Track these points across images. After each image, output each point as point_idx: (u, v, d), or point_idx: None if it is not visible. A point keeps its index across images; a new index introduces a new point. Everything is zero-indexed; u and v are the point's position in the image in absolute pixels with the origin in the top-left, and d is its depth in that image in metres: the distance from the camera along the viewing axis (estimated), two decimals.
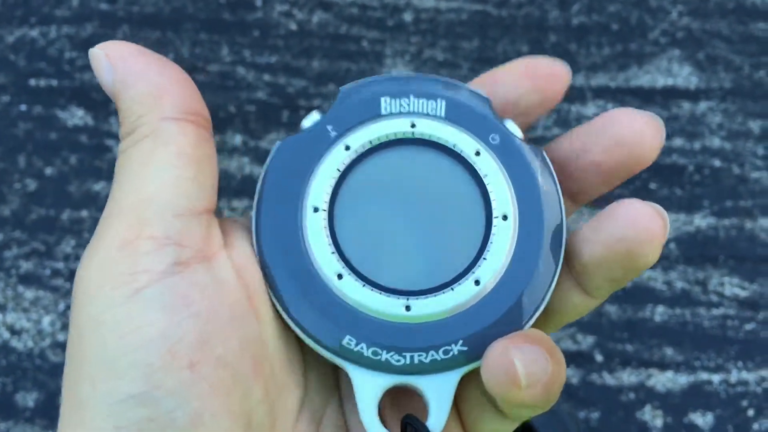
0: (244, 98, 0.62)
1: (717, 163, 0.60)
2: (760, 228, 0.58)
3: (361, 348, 0.27)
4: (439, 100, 0.29)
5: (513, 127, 0.29)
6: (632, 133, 0.27)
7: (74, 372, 0.25)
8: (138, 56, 0.28)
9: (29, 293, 0.56)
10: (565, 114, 0.62)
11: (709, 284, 0.56)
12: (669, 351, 0.55)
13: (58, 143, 0.60)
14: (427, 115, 0.29)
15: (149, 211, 0.26)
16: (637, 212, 0.25)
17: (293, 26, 0.65)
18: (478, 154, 0.29)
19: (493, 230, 0.28)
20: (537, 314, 0.28)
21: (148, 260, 0.25)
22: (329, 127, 0.29)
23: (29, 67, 0.62)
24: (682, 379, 0.54)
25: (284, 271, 0.28)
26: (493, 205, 0.28)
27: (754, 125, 0.61)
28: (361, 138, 0.29)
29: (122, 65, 0.28)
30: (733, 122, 0.61)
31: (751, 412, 0.53)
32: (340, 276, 0.28)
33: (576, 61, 0.63)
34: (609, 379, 0.54)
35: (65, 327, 0.56)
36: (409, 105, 0.29)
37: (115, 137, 0.60)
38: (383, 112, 0.29)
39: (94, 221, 0.58)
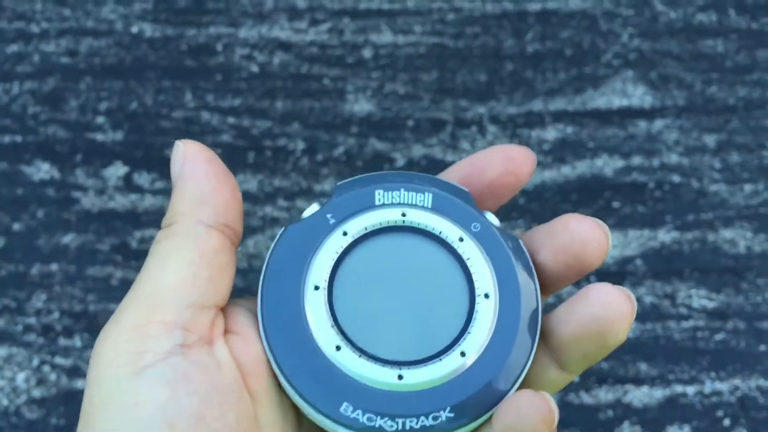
0: (209, 142, 0.62)
1: (676, 178, 0.61)
2: (723, 239, 0.59)
3: (357, 414, 0.29)
4: (426, 193, 0.33)
5: (492, 218, 0.33)
6: (577, 241, 0.29)
7: None
8: (204, 163, 0.31)
9: (2, 350, 0.56)
10: (526, 139, 0.63)
11: (677, 297, 0.57)
12: (643, 366, 0.55)
13: (24, 198, 0.60)
14: (416, 206, 0.32)
15: (164, 300, 0.29)
16: (608, 295, 0.28)
17: (255, 68, 0.65)
18: (461, 240, 0.32)
19: (477, 307, 0.31)
20: (518, 384, 0.30)
21: (155, 342, 0.28)
22: (328, 216, 0.32)
23: None
24: (658, 393, 0.55)
25: (286, 344, 0.30)
26: (476, 285, 0.31)
27: (710, 140, 0.62)
28: (357, 225, 0.32)
29: (188, 165, 0.31)
30: (689, 138, 0.62)
31: (727, 422, 0.54)
32: (338, 348, 0.30)
33: (533, 87, 0.64)
34: (586, 398, 0.55)
35: (40, 383, 0.55)
36: (400, 197, 0.33)
37: (82, 189, 0.61)
38: (377, 202, 0.32)
39: (65, 274, 0.58)
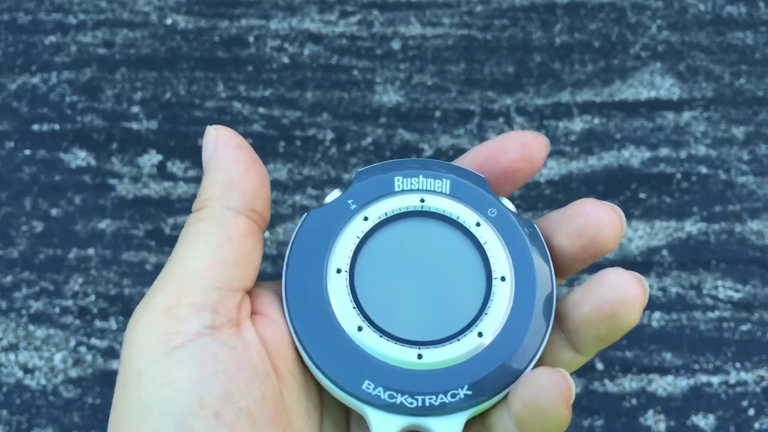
0: (240, 131, 0.63)
1: (704, 170, 0.61)
2: (750, 231, 0.59)
3: (379, 392, 0.30)
4: (444, 179, 0.34)
5: (507, 203, 0.33)
6: (592, 224, 0.30)
7: (116, 417, 0.29)
8: (234, 149, 0.32)
9: (40, 332, 0.57)
10: (553, 130, 0.63)
11: (704, 288, 0.57)
12: (668, 356, 0.56)
13: (62, 185, 0.62)
14: (435, 191, 0.33)
15: (193, 283, 0.30)
16: (621, 279, 0.29)
17: (285, 60, 0.66)
18: (478, 225, 0.33)
19: (493, 290, 0.32)
20: (533, 363, 0.31)
21: (184, 324, 0.29)
22: (350, 201, 0.33)
23: (32, 113, 0.64)
24: (683, 383, 0.55)
25: (310, 325, 0.31)
26: (493, 268, 0.32)
27: (738, 132, 0.62)
28: (377, 210, 0.33)
29: (218, 151, 0.32)
30: (717, 130, 0.62)
31: (751, 412, 0.54)
32: (359, 328, 0.31)
33: (561, 79, 0.65)
34: (611, 387, 0.55)
35: (77, 363, 0.57)
36: (419, 183, 0.34)
37: (118, 176, 0.62)
38: (396, 189, 0.33)
39: (101, 258, 0.60)
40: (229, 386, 0.28)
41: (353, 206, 0.33)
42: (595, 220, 0.31)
